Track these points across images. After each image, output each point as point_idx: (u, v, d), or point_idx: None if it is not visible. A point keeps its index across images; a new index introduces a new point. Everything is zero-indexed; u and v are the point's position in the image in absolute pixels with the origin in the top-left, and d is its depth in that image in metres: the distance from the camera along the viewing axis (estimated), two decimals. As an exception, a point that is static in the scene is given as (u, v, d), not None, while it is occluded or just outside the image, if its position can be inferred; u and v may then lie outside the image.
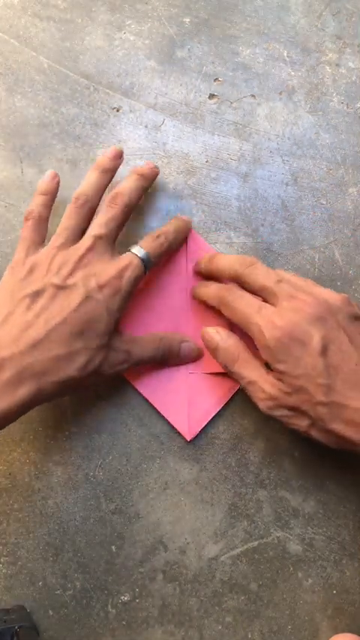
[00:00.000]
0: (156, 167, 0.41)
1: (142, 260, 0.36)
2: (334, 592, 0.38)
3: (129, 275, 0.35)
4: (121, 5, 0.45)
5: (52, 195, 0.39)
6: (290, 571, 0.38)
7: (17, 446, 0.39)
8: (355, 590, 0.38)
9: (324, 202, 0.42)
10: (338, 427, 0.32)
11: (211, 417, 0.39)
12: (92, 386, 0.36)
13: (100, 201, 0.38)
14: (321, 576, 0.38)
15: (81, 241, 0.36)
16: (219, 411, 0.39)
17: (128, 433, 0.39)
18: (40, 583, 0.37)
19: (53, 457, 0.39)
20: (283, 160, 0.43)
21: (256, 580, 0.38)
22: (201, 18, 0.45)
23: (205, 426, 0.39)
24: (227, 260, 0.38)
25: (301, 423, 0.33)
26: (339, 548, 0.38)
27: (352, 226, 0.42)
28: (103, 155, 0.39)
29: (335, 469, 0.39)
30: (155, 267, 0.38)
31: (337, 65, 0.45)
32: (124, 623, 0.37)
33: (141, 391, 0.39)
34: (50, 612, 0.37)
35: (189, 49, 0.45)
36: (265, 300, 0.35)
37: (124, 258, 0.36)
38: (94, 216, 0.38)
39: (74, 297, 0.34)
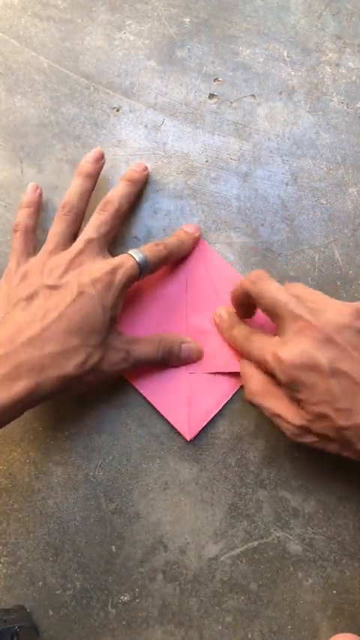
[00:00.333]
0: (146, 168, 0.41)
1: (138, 262, 0.36)
2: (334, 592, 0.38)
3: (122, 272, 0.36)
4: (121, 5, 0.45)
5: (36, 207, 0.40)
6: (290, 571, 0.38)
7: (17, 446, 0.39)
8: (355, 590, 0.38)
9: (324, 202, 0.42)
10: None
11: (211, 417, 0.39)
12: (93, 385, 0.36)
13: (86, 206, 0.40)
14: (321, 576, 0.38)
15: (72, 245, 0.37)
16: (219, 411, 0.39)
17: (128, 433, 0.39)
18: (40, 583, 0.37)
19: (53, 457, 0.39)
20: (283, 160, 0.43)
21: (256, 580, 0.38)
22: (201, 18, 0.45)
23: (205, 426, 0.39)
24: (238, 283, 0.36)
25: (331, 447, 0.33)
26: (339, 548, 0.38)
27: (352, 226, 0.42)
28: (85, 159, 0.40)
29: (335, 469, 0.39)
30: (152, 273, 0.38)
31: (337, 65, 0.45)
32: (124, 623, 0.37)
33: (141, 391, 0.39)
34: (50, 612, 0.37)
35: (189, 49, 0.45)
36: (274, 323, 0.35)
37: (119, 258, 0.37)
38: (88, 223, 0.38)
39: (68, 294, 0.34)
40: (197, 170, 0.43)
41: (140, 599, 0.37)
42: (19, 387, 0.32)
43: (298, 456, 0.39)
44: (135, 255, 0.37)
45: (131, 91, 0.44)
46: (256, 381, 0.35)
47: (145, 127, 0.44)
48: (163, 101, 0.44)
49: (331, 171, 0.43)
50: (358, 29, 0.45)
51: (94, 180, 0.40)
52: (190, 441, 0.39)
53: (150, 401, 0.39)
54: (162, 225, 0.42)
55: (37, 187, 0.41)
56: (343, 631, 0.37)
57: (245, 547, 0.38)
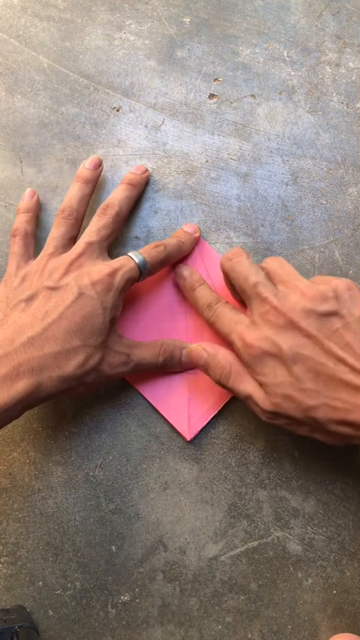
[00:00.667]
0: (146, 171, 0.42)
1: (138, 264, 0.36)
2: (334, 592, 0.38)
3: (122, 273, 0.36)
4: (121, 5, 0.45)
5: (33, 213, 0.41)
6: (290, 571, 0.38)
7: (17, 446, 0.39)
8: (355, 590, 0.38)
9: (324, 202, 0.42)
10: (336, 428, 0.32)
11: (211, 417, 0.39)
12: (92, 387, 0.36)
13: (85, 210, 0.40)
14: (321, 576, 0.38)
15: (73, 247, 0.37)
16: (219, 411, 0.39)
17: (128, 433, 0.39)
18: (40, 583, 0.38)
19: (53, 457, 0.39)
20: (283, 160, 0.43)
21: (256, 580, 0.38)
22: (201, 18, 0.45)
23: (205, 426, 0.39)
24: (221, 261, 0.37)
25: (302, 429, 0.34)
26: (339, 548, 0.38)
27: (352, 226, 0.42)
28: (83, 165, 0.40)
29: (335, 469, 0.39)
30: (152, 274, 0.38)
31: (337, 65, 0.45)
32: (124, 623, 0.37)
33: (141, 391, 0.39)
34: (50, 612, 0.37)
35: (189, 49, 0.45)
36: (245, 302, 0.36)
37: (119, 260, 0.37)
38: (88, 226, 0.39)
39: (68, 295, 0.34)
40: (197, 170, 0.43)
41: (140, 599, 0.37)
42: (19, 387, 0.32)
43: (298, 456, 0.39)
44: (134, 257, 0.37)
45: (131, 91, 0.44)
46: (223, 362, 0.35)
47: (145, 127, 0.44)
48: (163, 101, 0.44)
49: (331, 171, 0.43)
50: (358, 29, 0.45)
51: (93, 185, 0.40)
52: (190, 440, 0.39)
53: (150, 401, 0.39)
54: (162, 225, 0.42)
55: (34, 193, 0.41)
56: (343, 631, 0.37)
57: (245, 547, 0.38)
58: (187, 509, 0.38)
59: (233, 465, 0.39)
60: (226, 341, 0.36)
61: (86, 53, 0.45)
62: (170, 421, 0.39)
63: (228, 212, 0.42)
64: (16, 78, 0.44)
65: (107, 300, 0.35)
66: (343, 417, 0.31)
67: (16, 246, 0.39)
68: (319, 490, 0.39)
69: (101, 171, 0.41)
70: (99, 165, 0.41)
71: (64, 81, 0.44)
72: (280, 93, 0.44)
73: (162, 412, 0.39)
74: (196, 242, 0.41)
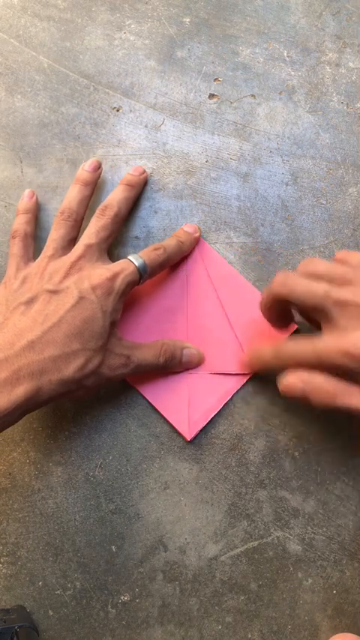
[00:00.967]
0: (144, 172, 0.42)
1: (138, 267, 0.36)
2: (334, 592, 0.38)
3: (122, 278, 0.36)
4: (121, 5, 0.45)
5: (33, 214, 0.41)
6: (290, 571, 0.38)
7: (17, 446, 0.39)
8: (355, 590, 0.38)
9: (324, 202, 0.42)
10: None
11: (211, 417, 0.39)
12: (92, 390, 0.36)
13: (84, 212, 0.40)
14: (321, 576, 0.38)
15: (72, 250, 0.37)
16: (219, 411, 0.39)
17: (128, 433, 0.39)
18: (40, 583, 0.37)
19: (53, 457, 0.39)
20: (283, 160, 0.43)
21: (256, 580, 0.38)
22: (201, 18, 0.45)
23: (205, 426, 0.39)
24: (267, 291, 0.34)
25: None
26: (339, 548, 0.38)
27: (352, 226, 0.42)
28: (82, 168, 0.40)
29: (335, 469, 0.39)
30: (152, 277, 0.38)
31: (337, 65, 0.45)
32: (124, 623, 0.37)
33: (141, 391, 0.39)
34: (50, 612, 0.37)
35: (189, 49, 0.45)
36: (318, 319, 0.33)
37: (119, 264, 0.36)
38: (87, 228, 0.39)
39: (68, 299, 0.34)
40: (197, 170, 0.43)
41: (140, 599, 0.37)
42: (20, 391, 0.32)
43: (298, 456, 0.39)
44: (134, 260, 0.37)
45: (131, 91, 0.44)
46: (325, 385, 0.32)
47: (145, 127, 0.44)
48: (163, 101, 0.44)
49: (331, 171, 0.43)
50: (358, 29, 0.45)
51: (93, 187, 0.41)
52: (190, 440, 0.39)
53: (150, 401, 0.39)
54: (162, 225, 0.42)
55: (33, 194, 0.41)
56: (343, 631, 0.37)
57: (245, 547, 0.38)
58: (187, 509, 0.38)
59: (233, 465, 0.39)
60: (319, 366, 0.32)
61: (86, 53, 0.45)
62: (170, 421, 0.39)
63: (228, 212, 0.42)
64: (16, 78, 0.44)
65: (107, 304, 0.35)
66: None
67: (16, 248, 0.39)
68: (319, 490, 0.39)
69: (100, 173, 0.41)
70: (98, 167, 0.41)
71: (64, 81, 0.44)
72: (280, 93, 0.44)
73: (162, 412, 0.39)
74: (196, 242, 0.41)
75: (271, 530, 0.38)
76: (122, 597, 0.37)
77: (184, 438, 0.39)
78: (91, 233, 0.38)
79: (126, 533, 0.38)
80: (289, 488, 0.39)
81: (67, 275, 0.36)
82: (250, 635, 0.37)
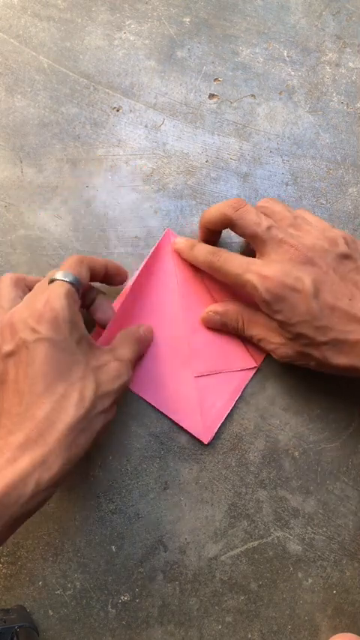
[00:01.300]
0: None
1: (65, 279, 0.33)
2: (334, 592, 0.38)
3: (56, 295, 0.32)
4: (121, 5, 0.45)
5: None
6: (290, 571, 0.38)
7: (17, 446, 0.39)
8: (355, 590, 0.38)
9: (324, 202, 0.42)
10: (343, 361, 0.34)
11: (224, 417, 0.39)
12: (112, 412, 0.34)
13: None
14: (321, 576, 0.38)
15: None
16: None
17: (128, 433, 0.39)
18: (40, 583, 0.37)
19: (53, 457, 0.39)
20: (283, 160, 0.43)
21: (256, 580, 0.38)
22: (201, 18, 0.45)
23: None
24: (216, 208, 0.37)
25: (310, 363, 0.36)
26: (339, 548, 0.38)
27: (352, 226, 0.42)
28: None
29: (335, 469, 0.39)
30: (95, 280, 0.36)
31: (337, 65, 0.45)
32: (124, 623, 0.37)
33: (152, 403, 0.39)
34: (50, 612, 0.37)
35: (189, 49, 0.45)
36: (255, 248, 0.36)
37: (45, 289, 0.33)
38: None
39: (23, 355, 0.31)
40: (197, 170, 0.43)
41: (140, 599, 0.37)
42: (24, 463, 0.29)
43: (298, 456, 0.39)
44: (59, 276, 0.33)
45: (131, 91, 0.44)
46: (233, 313, 0.39)
47: (145, 126, 0.44)
48: (163, 101, 0.44)
49: (331, 171, 0.43)
50: (358, 29, 0.45)
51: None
52: (209, 443, 0.39)
53: (162, 411, 0.39)
54: (162, 225, 0.42)
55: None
56: (343, 631, 0.37)
57: (245, 547, 0.38)
58: (187, 509, 0.38)
59: (233, 465, 0.39)
60: (237, 283, 0.36)
61: (86, 53, 0.45)
62: (185, 427, 0.39)
63: (228, 212, 0.42)
64: (16, 78, 0.44)
65: (59, 331, 0.31)
66: (352, 349, 0.34)
67: None
68: (319, 490, 0.39)
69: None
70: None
71: (64, 81, 0.44)
72: (280, 93, 0.44)
73: (176, 420, 0.39)
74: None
75: (271, 530, 0.38)
76: (122, 597, 0.37)
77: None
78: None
79: (126, 533, 0.38)
80: (289, 488, 0.39)
81: (12, 328, 0.32)
82: (250, 635, 0.37)
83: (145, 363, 0.39)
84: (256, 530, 0.38)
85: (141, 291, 0.40)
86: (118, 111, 0.44)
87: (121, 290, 0.40)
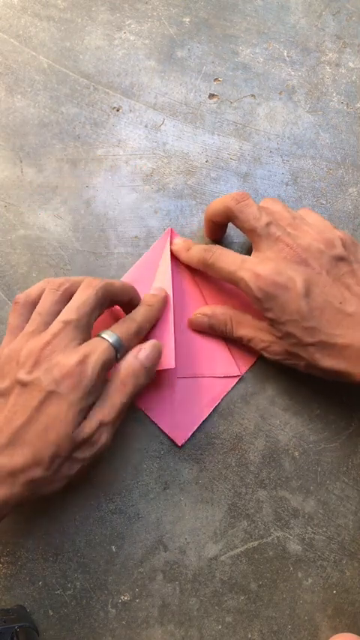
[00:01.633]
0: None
1: (112, 344, 0.33)
2: (334, 592, 0.38)
3: (95, 359, 0.32)
4: (121, 5, 0.45)
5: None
6: (290, 571, 0.38)
7: (17, 446, 0.39)
8: (355, 590, 0.38)
9: (324, 202, 0.42)
10: (330, 364, 0.34)
11: (201, 422, 0.39)
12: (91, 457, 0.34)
13: (79, 285, 0.36)
14: (321, 576, 0.38)
15: (50, 327, 0.34)
16: (219, 411, 0.39)
17: (128, 433, 0.39)
18: (40, 583, 0.37)
19: (53, 457, 0.39)
20: (283, 160, 0.43)
21: (256, 580, 0.38)
22: (201, 18, 0.45)
23: (205, 426, 0.39)
24: (220, 200, 0.37)
25: (300, 363, 0.36)
26: (339, 548, 0.38)
27: (352, 226, 0.42)
28: None
29: (335, 469, 0.39)
30: (130, 349, 0.35)
31: (337, 65, 0.45)
32: (124, 623, 0.37)
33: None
34: (50, 612, 0.37)
35: (189, 49, 0.45)
36: (252, 242, 0.36)
37: (89, 344, 0.33)
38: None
39: (35, 395, 0.32)
40: (197, 170, 0.43)
41: (140, 599, 0.37)
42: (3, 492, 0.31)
43: (298, 456, 0.39)
44: (108, 337, 0.34)
45: (131, 91, 0.44)
46: (221, 316, 0.39)
47: (145, 126, 0.44)
48: (163, 101, 0.44)
49: (331, 171, 0.43)
50: (358, 29, 0.45)
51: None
52: (181, 446, 0.39)
53: (140, 407, 0.39)
54: (162, 225, 0.42)
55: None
56: (343, 631, 0.37)
57: (245, 547, 0.38)
58: (187, 509, 0.38)
59: (233, 465, 0.39)
60: (230, 280, 0.36)
61: (86, 53, 0.45)
62: (161, 427, 0.39)
63: (228, 212, 0.42)
64: (16, 78, 0.44)
65: (76, 394, 0.31)
66: (340, 353, 0.34)
67: (11, 318, 0.35)
68: (319, 490, 0.39)
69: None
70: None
71: (64, 81, 0.44)
72: (280, 93, 0.44)
73: (153, 418, 0.39)
74: (165, 301, 0.39)
75: (271, 530, 0.38)
76: (122, 597, 0.37)
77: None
78: (72, 308, 0.34)
79: (126, 533, 0.38)
80: (289, 488, 0.39)
81: (37, 362, 0.32)
82: (250, 635, 0.37)
83: None
84: (256, 530, 0.38)
85: (138, 289, 0.40)
86: (118, 111, 0.44)
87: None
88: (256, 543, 0.38)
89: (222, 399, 0.39)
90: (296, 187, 0.43)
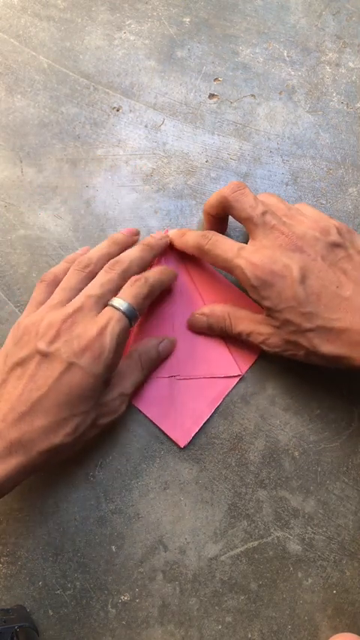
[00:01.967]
0: (166, 237, 0.40)
1: (125, 312, 0.35)
2: (334, 592, 0.38)
3: (111, 331, 0.34)
4: (121, 5, 0.45)
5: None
6: (290, 571, 0.38)
7: (17, 446, 0.39)
8: (355, 590, 0.38)
9: (324, 202, 0.42)
10: (329, 349, 0.34)
11: (203, 422, 0.39)
12: (91, 435, 0.36)
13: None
14: (321, 576, 0.38)
15: (72, 300, 0.35)
16: (219, 411, 0.39)
17: (128, 433, 0.39)
18: (40, 583, 0.37)
19: (53, 457, 0.39)
20: (283, 160, 0.43)
21: (256, 580, 0.38)
22: (201, 18, 0.45)
23: (205, 426, 0.39)
24: (217, 192, 0.37)
25: (299, 353, 0.35)
26: (339, 548, 0.38)
27: (352, 226, 0.42)
28: (120, 231, 0.40)
29: (335, 469, 0.39)
30: (142, 314, 0.37)
31: (337, 65, 0.45)
32: (124, 623, 0.37)
33: (131, 400, 0.39)
34: (50, 612, 0.37)
35: (189, 49, 0.45)
36: (248, 231, 0.37)
37: (104, 314, 0.35)
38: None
39: (56, 366, 0.33)
40: (197, 170, 0.43)
41: (140, 599, 0.37)
42: (12, 464, 0.32)
43: (298, 456, 0.39)
44: (119, 305, 0.35)
45: (131, 91, 0.44)
46: (219, 313, 0.39)
47: (145, 126, 0.44)
48: (163, 101, 0.44)
49: (331, 171, 0.43)
50: (358, 29, 0.45)
51: (120, 249, 0.39)
52: (184, 447, 0.39)
53: (141, 410, 0.39)
54: (162, 225, 0.42)
55: (88, 250, 0.39)
56: (343, 631, 0.37)
57: (245, 547, 0.38)
58: (187, 509, 0.38)
59: (233, 465, 0.39)
60: (226, 267, 0.36)
61: (86, 53, 0.45)
62: (163, 429, 0.39)
63: (228, 212, 0.42)
64: (16, 78, 0.44)
65: (97, 366, 0.33)
66: (339, 337, 0.33)
67: (37, 292, 0.38)
68: (319, 490, 0.39)
69: (136, 240, 0.40)
70: (135, 234, 0.40)
71: (64, 81, 0.44)
72: (280, 93, 0.44)
73: (154, 420, 0.39)
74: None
75: (271, 530, 0.38)
76: (122, 597, 0.37)
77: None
78: (95, 285, 0.36)
79: (126, 533, 0.38)
80: (289, 488, 0.39)
81: (58, 333, 0.34)
82: (250, 635, 0.37)
83: None
84: (256, 530, 0.38)
85: None
86: (118, 111, 0.44)
87: None
88: (256, 543, 0.38)
89: (222, 399, 0.39)
90: (296, 187, 0.43)
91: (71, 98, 0.44)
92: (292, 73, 0.44)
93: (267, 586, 0.38)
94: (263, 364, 0.40)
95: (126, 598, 0.37)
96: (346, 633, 0.37)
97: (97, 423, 0.35)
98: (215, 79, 0.44)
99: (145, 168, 0.43)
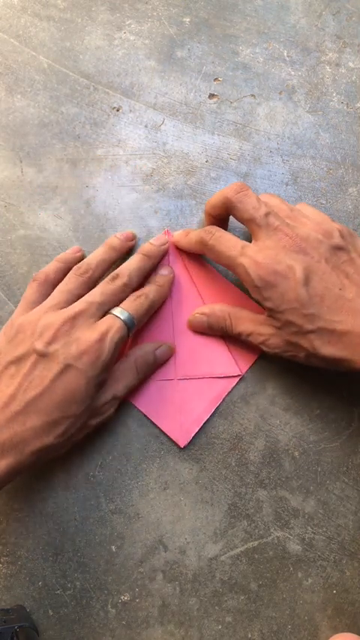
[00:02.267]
0: (166, 242, 0.40)
1: (125, 322, 0.36)
2: (334, 592, 0.38)
3: (110, 337, 0.34)
4: (121, 5, 0.45)
5: (67, 265, 0.39)
6: (290, 571, 0.38)
7: (17, 446, 0.39)
8: (355, 590, 0.38)
9: (324, 202, 0.42)
10: (330, 351, 0.34)
11: (203, 423, 0.39)
12: (80, 435, 0.36)
13: (102, 274, 0.39)
14: (321, 576, 0.38)
15: (73, 304, 0.36)
16: (219, 411, 0.39)
17: (128, 433, 0.39)
18: (40, 583, 0.37)
19: (53, 457, 0.39)
20: (283, 160, 0.43)
21: (256, 580, 0.38)
22: (201, 18, 0.45)
23: (205, 426, 0.39)
24: (219, 192, 0.37)
25: (300, 354, 0.35)
26: (339, 548, 0.38)
27: (352, 226, 0.42)
28: (115, 235, 0.40)
29: (335, 469, 0.39)
30: (139, 327, 0.38)
31: (337, 65, 0.45)
32: (124, 623, 0.37)
33: (131, 400, 0.39)
34: (50, 612, 0.37)
35: (189, 49, 0.45)
36: (250, 232, 0.36)
37: (105, 321, 0.35)
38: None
39: (53, 367, 0.33)
40: (197, 170, 0.43)
41: (140, 599, 0.37)
42: (1, 465, 0.32)
43: (298, 456, 0.39)
44: (120, 314, 0.36)
45: (131, 91, 0.44)
46: (220, 313, 0.39)
47: (145, 126, 0.44)
48: (163, 101, 0.44)
49: (331, 171, 0.43)
50: (358, 29, 0.45)
51: (118, 255, 0.40)
52: (184, 447, 0.39)
53: (141, 409, 0.39)
54: (162, 225, 0.42)
55: (78, 249, 0.41)
56: (343, 631, 0.37)
57: (245, 547, 0.38)
58: (187, 509, 0.38)
59: (233, 464, 0.39)
60: (229, 265, 0.36)
61: (86, 53, 0.45)
62: (163, 429, 0.39)
63: (228, 212, 0.42)
64: (16, 78, 0.44)
65: (94, 370, 0.34)
66: (340, 339, 0.33)
67: (29, 292, 0.38)
68: (319, 490, 0.39)
69: (133, 245, 0.41)
70: (131, 238, 0.41)
71: (64, 81, 0.44)
72: (280, 93, 0.44)
73: (154, 420, 0.39)
74: (171, 281, 0.40)
75: (271, 530, 0.38)
76: (122, 597, 0.37)
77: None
78: (96, 292, 0.36)
79: (126, 533, 0.38)
80: (289, 488, 0.39)
81: (56, 335, 0.34)
82: (250, 635, 0.37)
83: None
84: (256, 530, 0.38)
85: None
86: (118, 111, 0.44)
87: None
88: (256, 543, 0.38)
89: (222, 399, 0.39)
90: (296, 187, 0.43)
91: (71, 98, 0.44)
92: (292, 73, 0.44)
93: (267, 586, 0.38)
94: (263, 364, 0.40)
95: (126, 598, 0.37)
96: (346, 633, 0.37)
97: (87, 424, 0.36)
98: (215, 79, 0.44)
99: (145, 168, 0.43)
